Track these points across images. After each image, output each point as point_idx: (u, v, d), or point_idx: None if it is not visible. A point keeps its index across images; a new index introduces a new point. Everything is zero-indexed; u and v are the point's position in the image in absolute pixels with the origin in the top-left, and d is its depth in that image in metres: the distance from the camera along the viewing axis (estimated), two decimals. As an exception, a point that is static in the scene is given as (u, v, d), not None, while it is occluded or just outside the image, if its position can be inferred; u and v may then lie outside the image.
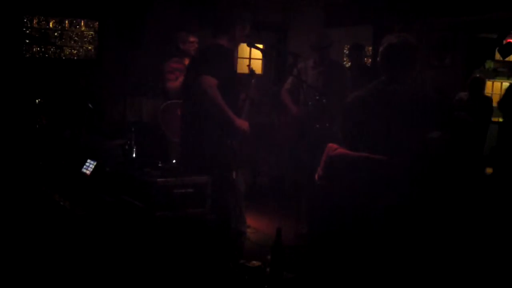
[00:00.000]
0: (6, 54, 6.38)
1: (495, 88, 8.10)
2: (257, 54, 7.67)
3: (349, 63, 6.73)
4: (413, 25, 6.61)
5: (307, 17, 7.83)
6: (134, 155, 3.70)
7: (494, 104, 6.71)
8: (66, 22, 7.33)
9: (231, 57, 3.68)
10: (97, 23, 7.41)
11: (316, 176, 3.24)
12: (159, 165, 3.37)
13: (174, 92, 5.10)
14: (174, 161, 3.59)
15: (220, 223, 3.40)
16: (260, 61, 8.00)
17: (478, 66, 7.31)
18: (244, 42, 3.93)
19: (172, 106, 5.19)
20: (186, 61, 5.13)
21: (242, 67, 6.76)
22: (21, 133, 4.73)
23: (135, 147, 3.72)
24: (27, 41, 6.97)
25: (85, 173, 3.66)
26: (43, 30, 7.20)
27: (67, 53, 7.38)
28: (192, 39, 5.23)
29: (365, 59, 6.79)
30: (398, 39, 3.05)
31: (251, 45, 4.47)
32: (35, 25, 7.16)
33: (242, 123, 3.58)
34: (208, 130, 3.49)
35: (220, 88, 3.40)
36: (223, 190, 3.54)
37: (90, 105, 5.27)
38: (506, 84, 7.95)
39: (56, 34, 7.28)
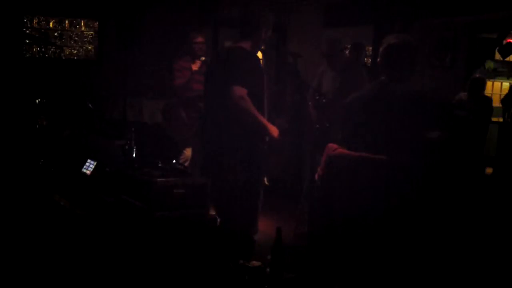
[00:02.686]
0: (6, 54, 6.38)
1: (495, 88, 8.09)
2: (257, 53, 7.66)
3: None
4: (413, 25, 6.61)
5: (307, 17, 7.83)
6: (134, 155, 3.70)
7: (494, 104, 6.70)
8: (66, 22, 7.34)
9: (258, 62, 3.61)
10: (97, 23, 7.42)
11: (316, 176, 3.24)
12: (159, 165, 3.37)
13: (181, 89, 5.13)
14: (174, 161, 3.59)
15: (233, 227, 3.41)
16: (260, 61, 8.00)
17: (478, 66, 7.30)
18: (264, 45, 3.85)
19: (175, 104, 5.21)
20: (197, 63, 5.15)
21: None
22: (21, 133, 4.73)
23: (135, 147, 3.71)
24: (27, 41, 6.98)
25: (85, 173, 3.66)
26: (43, 30, 7.21)
27: (67, 53, 7.39)
28: (199, 39, 5.23)
29: (365, 58, 6.78)
30: (398, 39, 3.05)
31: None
32: (35, 25, 7.16)
33: (275, 130, 3.54)
34: (239, 136, 3.45)
35: (250, 95, 3.36)
36: (250, 195, 3.55)
37: (90, 105, 5.28)
38: (506, 84, 7.94)
39: (56, 34, 7.29)
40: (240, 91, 3.32)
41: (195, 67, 5.13)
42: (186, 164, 5.14)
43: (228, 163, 3.47)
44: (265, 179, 4.08)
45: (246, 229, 3.66)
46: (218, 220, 3.34)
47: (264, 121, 3.47)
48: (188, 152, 5.30)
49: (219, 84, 3.45)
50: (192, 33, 5.37)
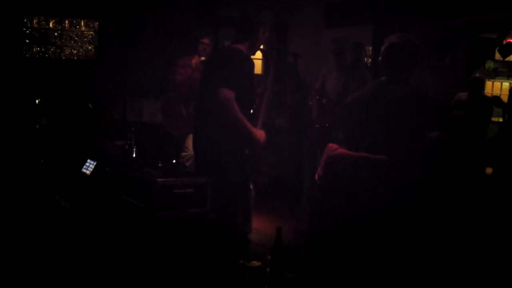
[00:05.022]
0: (6, 54, 6.38)
1: (495, 88, 8.09)
2: (257, 54, 7.65)
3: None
4: (413, 25, 6.61)
5: (307, 17, 7.83)
6: (134, 155, 3.70)
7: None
8: (66, 22, 7.34)
9: (251, 65, 3.54)
10: (97, 23, 7.42)
11: (316, 176, 3.25)
12: (159, 165, 3.37)
13: (178, 85, 5.14)
14: (174, 161, 3.59)
15: (226, 228, 3.40)
16: (260, 61, 8.00)
17: (478, 66, 7.30)
18: (262, 46, 3.81)
19: (173, 99, 5.22)
20: (195, 59, 5.17)
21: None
22: (21, 133, 4.73)
23: (135, 147, 3.71)
24: (27, 41, 6.98)
25: (85, 173, 3.66)
26: (43, 30, 7.21)
27: (67, 53, 7.38)
28: (205, 40, 5.25)
29: (365, 58, 6.79)
30: (400, 39, 3.05)
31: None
32: (35, 25, 7.16)
33: (260, 134, 3.51)
34: (225, 138, 3.44)
35: (238, 99, 3.32)
36: (237, 196, 3.54)
37: (90, 105, 5.29)
38: (506, 84, 7.94)
39: (56, 34, 7.29)
40: (227, 93, 3.28)
41: (193, 63, 5.15)
42: (189, 162, 5.13)
43: (216, 164, 3.47)
44: (251, 185, 4.07)
45: (236, 228, 3.66)
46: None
47: (249, 126, 3.43)
48: (190, 146, 5.28)
49: (211, 84, 3.44)
50: (200, 32, 5.40)
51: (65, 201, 3.48)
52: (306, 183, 5.20)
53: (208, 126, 3.55)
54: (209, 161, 3.51)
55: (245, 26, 3.54)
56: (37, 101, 4.96)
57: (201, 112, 3.71)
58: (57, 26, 7.29)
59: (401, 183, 2.88)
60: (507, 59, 6.44)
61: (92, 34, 7.47)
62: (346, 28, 7.18)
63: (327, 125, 4.63)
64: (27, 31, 7.01)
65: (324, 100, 4.67)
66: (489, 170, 6.31)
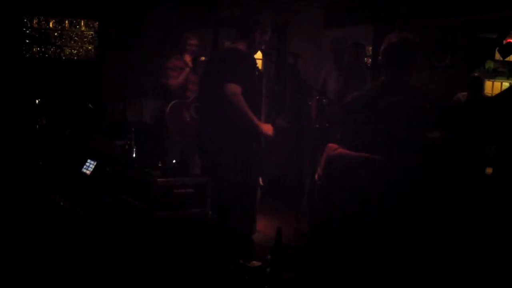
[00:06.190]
0: (6, 54, 6.38)
1: (495, 88, 8.08)
2: (257, 54, 7.64)
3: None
4: (413, 25, 6.61)
5: (307, 17, 7.83)
6: (134, 155, 3.70)
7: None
8: (66, 22, 7.34)
9: (253, 62, 3.62)
10: (97, 23, 7.42)
11: (316, 176, 3.24)
12: (159, 165, 3.37)
13: (176, 89, 5.11)
14: (174, 161, 3.59)
15: (228, 227, 3.41)
16: (260, 61, 8.00)
17: (478, 66, 7.29)
18: (262, 47, 3.86)
19: (178, 105, 5.20)
20: (187, 58, 5.13)
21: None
22: (21, 133, 4.73)
23: (135, 147, 3.72)
24: (27, 41, 6.98)
25: (85, 173, 3.66)
26: (43, 30, 7.21)
27: (67, 53, 7.39)
28: (193, 41, 5.22)
29: (365, 58, 6.78)
30: (399, 38, 3.05)
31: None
32: (35, 25, 7.16)
33: (268, 128, 3.54)
34: (233, 135, 3.45)
35: (243, 94, 3.37)
36: (246, 194, 3.55)
37: (90, 105, 5.28)
38: (506, 84, 7.93)
39: (56, 34, 7.29)
40: (234, 88, 3.34)
41: (188, 62, 5.11)
42: None
43: (223, 163, 3.47)
44: (260, 180, 4.08)
45: (243, 229, 3.66)
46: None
47: (257, 120, 3.47)
48: None
49: (215, 83, 3.46)
50: (187, 33, 5.34)
51: (65, 201, 3.48)
52: (306, 183, 5.19)
53: (212, 125, 3.55)
54: (215, 160, 3.51)
55: (245, 26, 3.57)
56: (37, 101, 4.96)
57: (204, 112, 3.72)
58: (57, 26, 7.29)
59: (401, 183, 2.87)
60: (507, 59, 6.42)
61: (92, 34, 7.47)
62: (346, 28, 7.17)
63: (327, 125, 4.63)
64: (27, 31, 7.01)
65: (324, 100, 4.67)
66: (489, 170, 6.30)
